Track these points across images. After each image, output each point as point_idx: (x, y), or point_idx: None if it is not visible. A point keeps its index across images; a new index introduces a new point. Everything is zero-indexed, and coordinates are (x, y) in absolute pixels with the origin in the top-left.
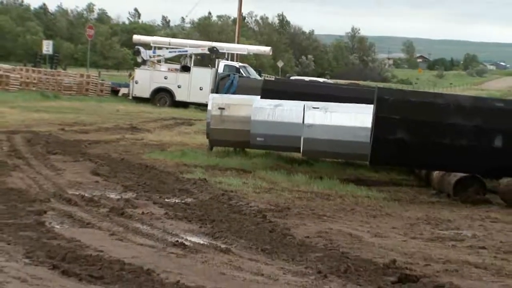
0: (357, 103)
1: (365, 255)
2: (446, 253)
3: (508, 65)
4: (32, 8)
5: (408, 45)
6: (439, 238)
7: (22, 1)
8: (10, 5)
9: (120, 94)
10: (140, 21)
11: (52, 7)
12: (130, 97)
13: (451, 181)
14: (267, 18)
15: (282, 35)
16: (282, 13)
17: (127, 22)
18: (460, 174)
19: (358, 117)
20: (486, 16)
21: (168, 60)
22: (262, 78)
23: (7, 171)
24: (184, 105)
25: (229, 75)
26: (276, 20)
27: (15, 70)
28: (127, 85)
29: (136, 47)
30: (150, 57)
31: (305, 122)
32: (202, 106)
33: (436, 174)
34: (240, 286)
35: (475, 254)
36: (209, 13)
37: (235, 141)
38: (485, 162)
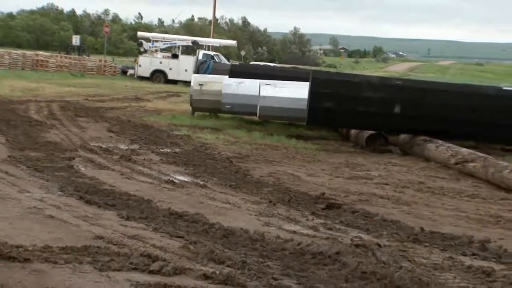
0: (297, 81)
1: (303, 189)
2: (360, 187)
3: (404, 54)
4: (64, 11)
5: (334, 40)
6: (355, 177)
7: (57, 7)
8: (49, 9)
9: (128, 74)
10: (142, 21)
11: (79, 11)
12: (135, 76)
13: (364, 136)
14: (233, 20)
15: (244, 32)
16: (245, 16)
17: (133, 22)
18: (370, 132)
19: (298, 91)
20: (390, 18)
21: (162, 50)
22: (230, 63)
23: (46, 129)
24: (174, 82)
25: (206, 61)
26: (240, 21)
27: (52, 57)
28: (133, 68)
29: (140, 40)
30: (150, 48)
31: (260, 94)
32: (187, 83)
33: (353, 131)
34: (213, 211)
35: (380, 188)
36: (192, 16)
37: (210, 108)
38: (388, 123)
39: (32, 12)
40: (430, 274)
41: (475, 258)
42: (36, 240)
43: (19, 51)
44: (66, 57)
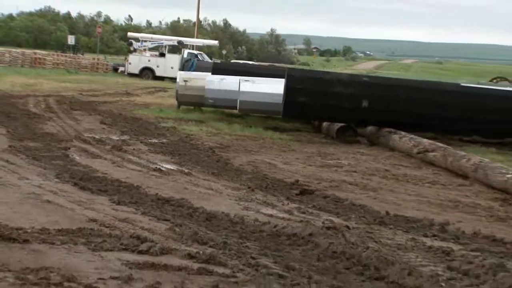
0: (274, 78)
1: (279, 176)
2: (331, 175)
3: (371, 53)
4: (61, 13)
5: (307, 40)
6: (326, 166)
7: (54, 9)
8: (46, 11)
9: (119, 71)
10: (132, 23)
11: (74, 13)
12: (126, 73)
13: (334, 128)
14: (215, 21)
15: (225, 33)
16: (226, 18)
17: (123, 23)
18: (340, 124)
19: (274, 86)
20: (357, 20)
21: (150, 49)
22: (212, 61)
23: (44, 121)
24: (161, 78)
25: (190, 59)
26: (222, 23)
27: (49, 55)
28: (123, 65)
29: (130, 40)
30: (139, 47)
31: (240, 90)
32: (173, 79)
33: (325, 124)
34: (197, 196)
35: (349, 175)
36: (178, 18)
37: (194, 102)
38: (356, 117)
39: (30, 14)
40: (394, 253)
41: (436, 239)
42: (35, 223)
43: (19, 50)
44: (62, 56)
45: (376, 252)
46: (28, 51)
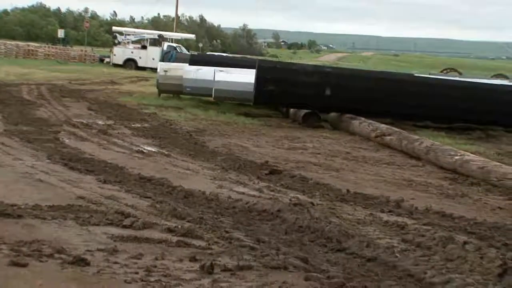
0: (246, 68)
1: (250, 158)
2: (297, 157)
3: (334, 46)
4: (51, 9)
5: (275, 34)
6: (293, 148)
7: (45, 5)
8: (38, 7)
9: (104, 62)
10: (116, 18)
11: (63, 9)
12: (111, 64)
13: (301, 114)
14: (192, 17)
15: (201, 27)
16: (202, 14)
17: (109, 19)
18: (306, 110)
19: (246, 76)
20: (322, 17)
21: (133, 42)
22: (190, 53)
23: (36, 107)
24: (143, 69)
25: (170, 51)
26: (198, 19)
27: (41, 47)
28: (109, 57)
29: (114, 34)
30: (123, 40)
31: (215, 79)
32: (154, 70)
33: (292, 110)
34: (176, 175)
35: (314, 157)
36: (158, 14)
37: (173, 90)
38: (320, 104)
39: (23, 9)
40: (354, 227)
41: (391, 215)
42: (28, 200)
43: (13, 42)
44: (52, 48)
45: (338, 226)
46: (21, 43)
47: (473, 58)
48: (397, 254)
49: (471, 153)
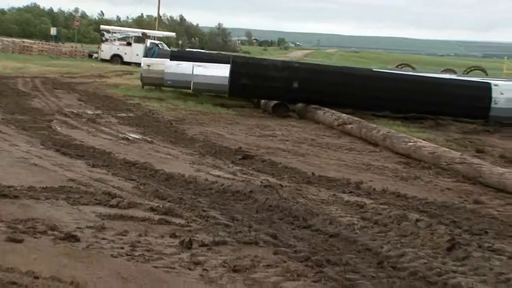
0: (221, 63)
1: (225, 144)
2: (268, 143)
3: (301, 44)
4: (45, 9)
5: (248, 33)
6: (264, 136)
7: (39, 5)
8: (32, 7)
9: (93, 57)
10: (104, 17)
11: (55, 9)
12: (99, 59)
13: (271, 105)
14: (173, 17)
15: (181, 26)
16: (181, 14)
17: (97, 18)
18: (275, 101)
19: (221, 70)
20: (291, 16)
21: (119, 39)
22: (170, 50)
23: (31, 98)
24: (128, 64)
25: (152, 48)
26: (178, 18)
27: (35, 43)
28: (97, 52)
29: (102, 32)
30: (110, 37)
31: (193, 73)
32: (138, 64)
33: (263, 101)
34: (158, 160)
35: (282, 144)
36: (142, 14)
37: (156, 83)
38: (289, 95)
39: (19, 9)
40: (318, 207)
41: (352, 195)
42: (23, 182)
43: (10, 39)
44: (46, 44)
45: (303, 206)
46: (17, 40)
47: (424, 54)
48: (357, 231)
49: (423, 140)
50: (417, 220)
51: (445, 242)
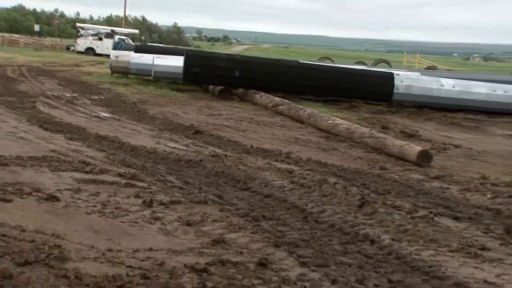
0: (177, 55)
1: (180, 121)
2: (215, 121)
3: (241, 40)
4: (30, 9)
5: (199, 31)
6: (212, 115)
7: (25, 6)
8: (19, 8)
9: (70, 50)
10: (79, 17)
11: (38, 9)
12: (75, 51)
13: (217, 89)
14: (137, 17)
15: (143, 25)
16: (143, 15)
17: (74, 17)
18: (221, 87)
19: (177, 61)
20: (234, 17)
21: (92, 35)
22: (135, 44)
23: (18, 83)
24: (100, 55)
25: (120, 42)
26: (141, 18)
27: (22, 38)
28: (74, 46)
29: (78, 28)
30: (84, 33)
31: (154, 63)
32: (108, 56)
33: (211, 87)
34: (125, 135)
35: (227, 121)
36: (111, 14)
37: (123, 71)
38: (232, 82)
39: (8, 9)
40: (256, 173)
41: (283, 163)
42: (12, 152)
43: None
44: (31, 38)
45: (244, 172)
46: (6, 35)
47: (339, 49)
48: (287, 192)
49: (340, 118)
50: (335, 183)
51: (356, 201)
